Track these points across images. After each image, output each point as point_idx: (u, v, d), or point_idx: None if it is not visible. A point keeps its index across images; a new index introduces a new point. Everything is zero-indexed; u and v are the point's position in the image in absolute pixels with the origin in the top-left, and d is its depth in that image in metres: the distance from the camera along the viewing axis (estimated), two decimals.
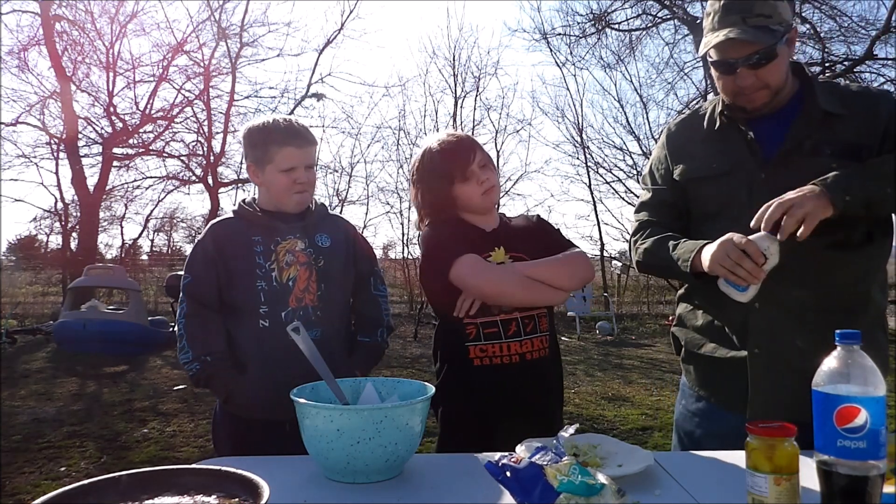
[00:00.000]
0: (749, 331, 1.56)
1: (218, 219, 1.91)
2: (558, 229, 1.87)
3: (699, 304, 1.70)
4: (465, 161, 1.74)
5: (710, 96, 1.71)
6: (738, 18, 1.48)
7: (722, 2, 1.52)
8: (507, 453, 1.10)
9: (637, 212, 1.80)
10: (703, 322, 1.67)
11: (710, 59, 1.57)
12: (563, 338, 10.66)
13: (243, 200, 1.92)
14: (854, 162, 1.49)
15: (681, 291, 1.79)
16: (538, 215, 1.93)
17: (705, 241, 1.51)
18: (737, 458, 1.32)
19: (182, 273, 1.85)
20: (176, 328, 1.83)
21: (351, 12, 15.91)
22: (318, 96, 15.06)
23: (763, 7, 1.48)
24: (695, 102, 12.29)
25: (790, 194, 1.40)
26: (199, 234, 1.93)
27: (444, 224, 1.78)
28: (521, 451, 1.24)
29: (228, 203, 15.74)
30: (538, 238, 1.81)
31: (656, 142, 1.88)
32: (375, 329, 1.95)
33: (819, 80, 1.63)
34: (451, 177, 1.74)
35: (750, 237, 1.41)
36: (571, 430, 1.20)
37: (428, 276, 1.79)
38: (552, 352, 1.76)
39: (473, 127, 14.74)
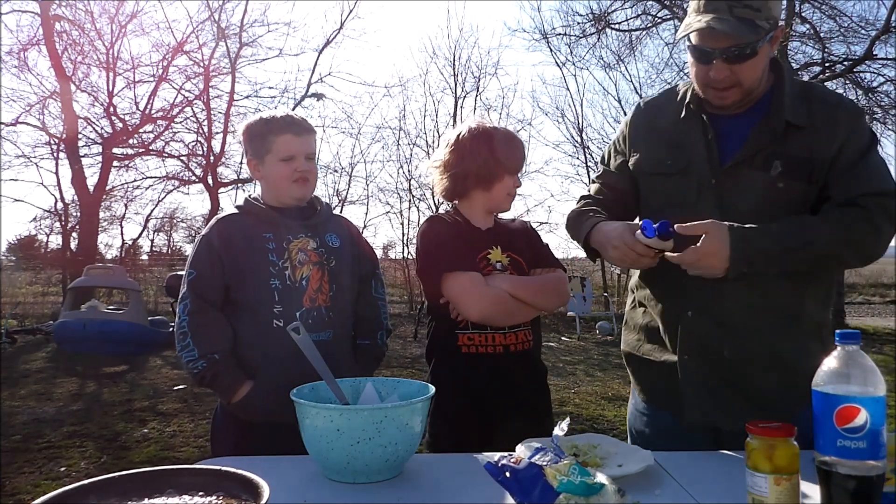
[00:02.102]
0: (679, 337, 1.55)
1: (223, 214, 1.87)
2: (546, 244, 1.92)
3: (642, 301, 1.69)
4: (520, 163, 1.84)
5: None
6: (725, 5, 1.39)
7: None
8: (506, 454, 1.10)
9: (592, 183, 1.82)
10: (644, 321, 1.67)
11: (687, 44, 1.49)
12: (563, 338, 10.65)
13: (249, 195, 1.89)
14: (803, 181, 1.46)
15: (631, 283, 1.78)
16: (528, 222, 2.01)
17: (595, 224, 1.58)
18: (737, 458, 1.32)
19: (181, 272, 1.82)
20: (176, 325, 1.77)
21: (350, 12, 15.91)
22: (318, 96, 15.08)
23: None
24: None
25: (704, 255, 1.38)
26: (200, 232, 1.90)
27: (443, 221, 1.82)
28: (521, 451, 1.24)
29: (228, 203, 15.75)
30: (530, 243, 1.88)
31: None
32: (375, 332, 1.94)
33: (797, 81, 1.56)
34: (505, 168, 1.79)
35: (641, 234, 1.42)
36: (564, 425, 1.20)
37: (424, 277, 1.85)
38: (535, 345, 1.83)
39: None
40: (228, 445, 1.77)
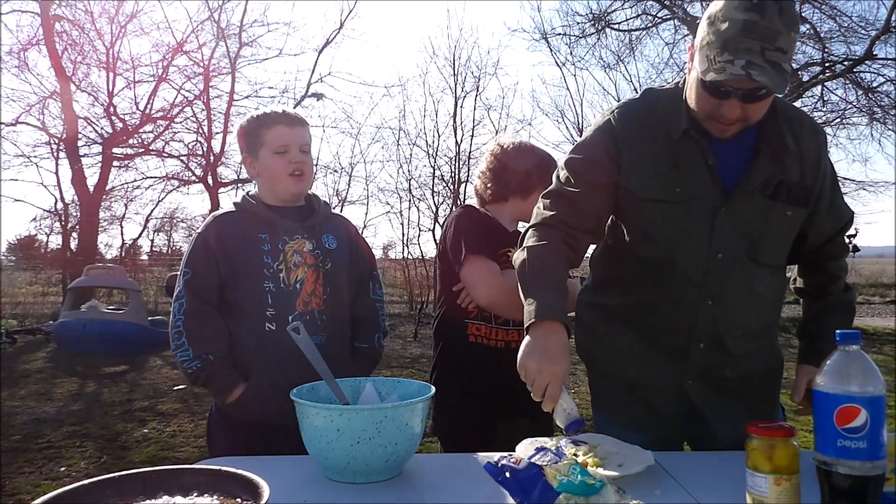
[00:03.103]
0: (687, 363, 1.54)
1: (220, 212, 1.84)
2: None
3: (623, 317, 1.59)
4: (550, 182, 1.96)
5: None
6: (757, 46, 1.27)
7: (744, 17, 1.27)
8: (506, 454, 1.10)
9: (550, 199, 1.55)
10: (633, 339, 1.58)
11: (701, 78, 1.35)
12: None
13: (247, 193, 1.86)
14: (803, 206, 1.49)
15: (586, 298, 1.69)
16: None
17: (535, 322, 1.39)
18: (737, 458, 1.32)
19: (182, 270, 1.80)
20: (171, 323, 1.74)
21: (350, 12, 15.89)
22: (318, 96, 15.05)
23: (785, 41, 1.28)
24: None
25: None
26: (196, 229, 1.88)
27: (478, 211, 2.00)
28: (521, 451, 1.24)
29: (228, 203, 15.70)
30: None
31: None
32: (372, 335, 1.93)
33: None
34: (541, 184, 1.88)
35: (562, 400, 1.32)
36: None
37: (447, 257, 1.95)
38: None
39: (473, 127, 14.75)
40: (224, 445, 1.76)
